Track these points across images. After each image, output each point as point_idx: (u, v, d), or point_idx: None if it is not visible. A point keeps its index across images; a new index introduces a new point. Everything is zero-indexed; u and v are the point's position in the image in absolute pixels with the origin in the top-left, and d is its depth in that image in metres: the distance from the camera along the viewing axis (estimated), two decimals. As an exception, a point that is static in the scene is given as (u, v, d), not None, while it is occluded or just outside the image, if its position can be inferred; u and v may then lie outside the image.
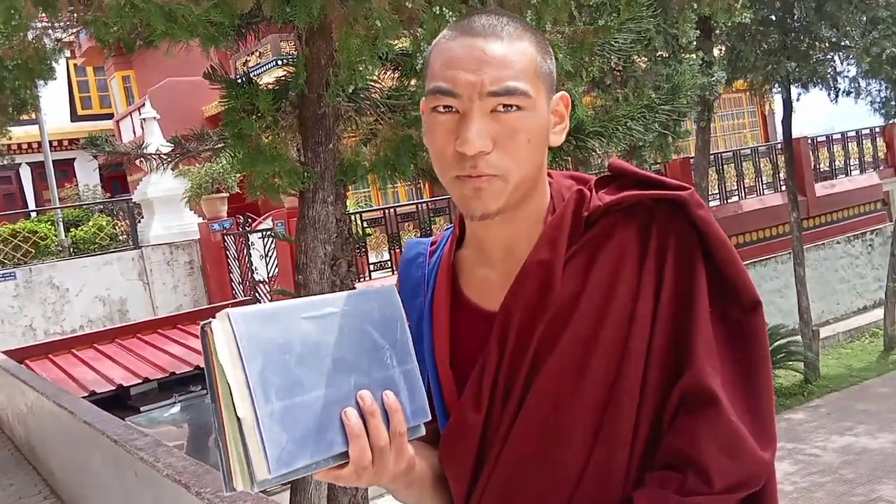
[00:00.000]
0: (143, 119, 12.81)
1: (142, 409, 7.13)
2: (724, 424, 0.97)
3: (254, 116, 4.24)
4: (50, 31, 4.60)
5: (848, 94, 12.02)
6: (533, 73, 1.02)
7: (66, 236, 13.07)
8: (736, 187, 14.01)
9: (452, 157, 1.01)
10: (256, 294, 10.44)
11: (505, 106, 1.00)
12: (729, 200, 13.73)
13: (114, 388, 6.86)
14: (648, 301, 1.03)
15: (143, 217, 12.46)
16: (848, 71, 11.92)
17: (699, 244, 1.04)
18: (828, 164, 15.32)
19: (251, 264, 10.70)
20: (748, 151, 14.70)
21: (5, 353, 7.74)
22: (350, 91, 4.07)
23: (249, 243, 10.73)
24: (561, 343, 1.04)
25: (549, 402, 1.04)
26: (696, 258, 1.04)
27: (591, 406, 1.03)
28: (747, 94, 14.55)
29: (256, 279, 10.57)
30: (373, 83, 4.88)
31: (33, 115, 14.47)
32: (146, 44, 4.18)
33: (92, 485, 4.41)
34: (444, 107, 1.01)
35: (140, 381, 7.03)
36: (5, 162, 8.58)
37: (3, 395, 7.32)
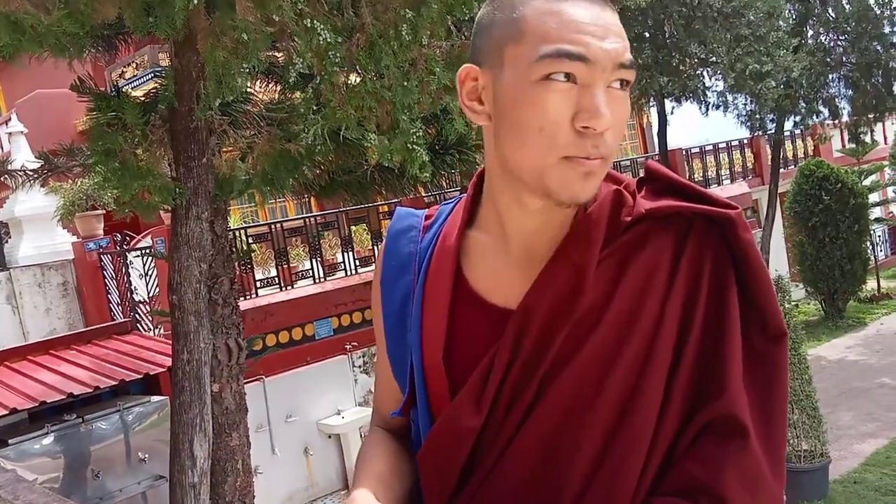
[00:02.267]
0: (9, 133, 12.14)
1: (10, 441, 6.71)
2: (751, 459, 0.93)
3: (122, 131, 4.09)
4: None
5: (717, 107, 12.72)
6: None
7: (-78, 259, 12.18)
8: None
9: (567, 135, 0.90)
10: (136, 315, 10.02)
11: (622, 82, 0.92)
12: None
13: (-25, 421, 6.40)
14: (675, 318, 0.96)
15: (10, 237, 11.78)
16: (716, 86, 12.61)
17: (733, 266, 0.98)
18: (702, 174, 16.09)
19: (130, 284, 10.27)
20: (627, 163, 15.29)
21: None
22: (221, 103, 3.97)
23: (128, 262, 10.31)
24: (583, 352, 0.96)
25: (561, 414, 0.96)
26: (730, 281, 0.97)
27: (605, 421, 0.96)
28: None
29: (136, 299, 10.16)
30: (251, 95, 4.79)
31: None
32: (3, 57, 3.96)
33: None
34: (565, 74, 0.89)
35: (7, 412, 6.59)
36: None
37: None
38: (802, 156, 18.17)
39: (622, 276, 0.97)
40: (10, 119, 12.87)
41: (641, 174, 1.08)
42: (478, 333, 1.01)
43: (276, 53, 4.43)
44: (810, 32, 13.31)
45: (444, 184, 7.78)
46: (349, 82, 4.14)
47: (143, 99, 4.48)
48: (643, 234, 0.99)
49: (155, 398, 7.48)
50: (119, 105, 4.18)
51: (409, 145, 4.17)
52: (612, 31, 0.90)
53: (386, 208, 10.87)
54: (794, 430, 7.43)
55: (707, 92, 12.40)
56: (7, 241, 11.70)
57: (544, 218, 0.99)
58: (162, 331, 9.09)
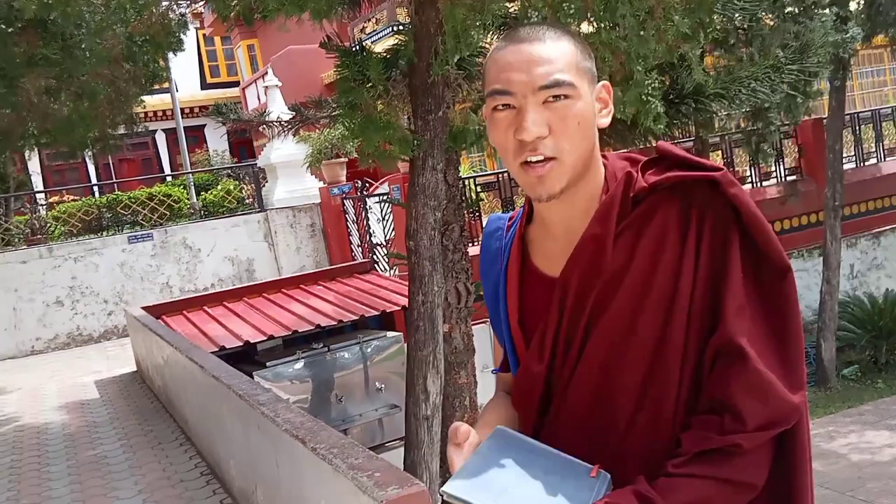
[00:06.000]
0: (266, 87, 13.27)
1: (267, 363, 7.49)
2: (752, 373, 1.13)
3: (365, 86, 4.36)
4: (174, 6, 4.86)
5: None
6: (575, 66, 1.19)
7: (197, 199, 13.82)
8: (874, 149, 13.13)
9: (514, 147, 1.18)
10: (374, 256, 10.73)
11: (555, 97, 1.17)
12: (866, 163, 12.90)
13: (241, 343, 7.25)
14: (689, 269, 1.18)
15: (267, 181, 12.99)
16: None
17: (735, 219, 1.19)
18: None
19: (369, 227, 10.99)
20: (888, 111, 13.73)
21: (145, 308, 8.32)
22: (458, 59, 4.09)
23: (367, 207, 11.02)
24: (613, 305, 1.21)
25: (603, 354, 1.22)
26: (732, 231, 1.18)
27: (641, 359, 1.20)
28: (888, 49, 13.53)
29: (374, 242, 10.86)
30: (484, 49, 4.89)
31: (166, 84, 15.31)
32: (263, 17, 4.35)
33: (220, 434, 4.74)
34: (502, 105, 1.19)
35: (265, 337, 7.40)
36: (139, 129, 9.12)
37: (144, 348, 7.90)
38: None
39: (639, 242, 1.21)
40: (266, 73, 14.05)
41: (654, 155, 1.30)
42: (541, 301, 1.29)
43: (511, 4, 4.48)
44: None
45: (677, 133, 7.49)
46: (582, 33, 4.10)
47: (384, 55, 4.73)
48: (654, 204, 1.22)
49: (391, 333, 8.02)
50: (363, 61, 4.45)
51: (643, 97, 4.08)
52: (534, 63, 1.17)
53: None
54: None
55: None
56: (264, 186, 12.92)
57: (564, 207, 1.24)
58: (397, 272, 9.66)
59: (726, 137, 10.98)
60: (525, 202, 1.38)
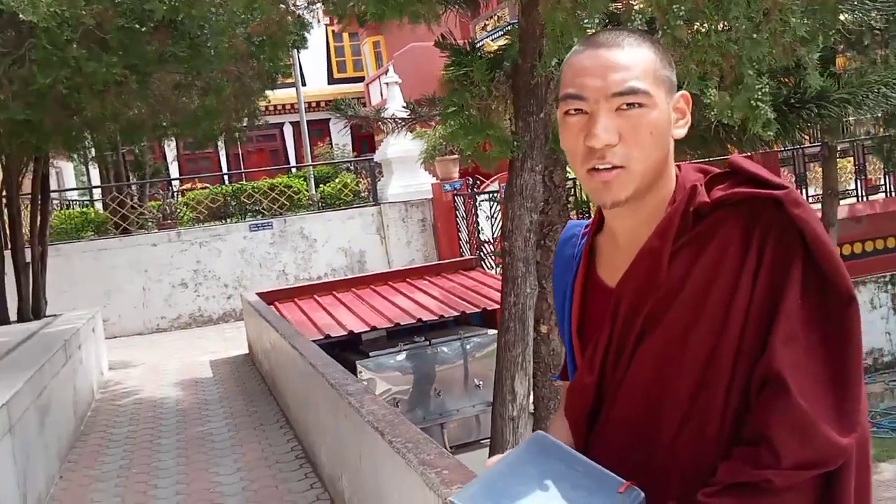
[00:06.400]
0: (386, 83, 13.56)
1: (370, 354, 7.68)
2: (793, 408, 1.07)
3: (470, 86, 4.39)
4: (292, 7, 5.06)
5: None
6: (652, 74, 1.17)
7: (315, 191, 14.30)
8: None
9: (583, 153, 1.17)
10: (481, 253, 10.79)
11: (628, 104, 1.14)
12: None
13: (345, 333, 7.46)
14: (745, 291, 1.14)
15: (382, 175, 13.28)
16: None
17: (800, 242, 1.13)
18: None
19: (478, 224, 11.07)
20: None
21: (259, 294, 8.70)
22: (557, 61, 4.06)
23: (477, 204, 11.09)
24: (664, 321, 1.18)
25: (651, 370, 1.19)
26: (795, 255, 1.13)
27: (688, 378, 1.16)
28: None
29: (482, 239, 10.93)
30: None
31: (291, 80, 15.91)
32: (374, 19, 4.46)
33: (315, 420, 4.91)
34: (575, 110, 1.17)
35: (368, 328, 7.58)
36: (259, 122, 9.56)
37: (255, 332, 8.27)
38: None
39: (698, 259, 1.17)
40: (388, 70, 14.37)
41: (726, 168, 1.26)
42: (600, 311, 1.27)
43: (617, 4, 4.40)
44: None
45: (803, 138, 7.12)
46: (693, 35, 3.97)
47: (491, 55, 4.75)
48: (717, 220, 1.18)
49: (491, 331, 8.02)
50: (469, 62, 4.48)
51: (752, 102, 3.91)
52: (611, 69, 1.15)
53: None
54: None
55: None
56: (380, 180, 13.23)
57: (631, 216, 1.22)
58: (502, 270, 9.67)
59: (857, 144, 10.36)
60: (596, 211, 1.36)
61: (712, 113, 4.19)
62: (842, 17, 7.28)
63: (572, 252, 1.38)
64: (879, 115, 6.50)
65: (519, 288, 4.38)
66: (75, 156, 9.44)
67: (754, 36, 3.93)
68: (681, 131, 1.22)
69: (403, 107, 7.72)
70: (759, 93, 3.86)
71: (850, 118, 7.30)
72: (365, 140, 22.70)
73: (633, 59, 1.15)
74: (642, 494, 1.14)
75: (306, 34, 8.14)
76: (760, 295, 1.13)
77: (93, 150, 12.23)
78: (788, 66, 4.58)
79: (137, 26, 4.80)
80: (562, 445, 1.20)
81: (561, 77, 1.23)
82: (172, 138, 10.49)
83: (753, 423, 1.11)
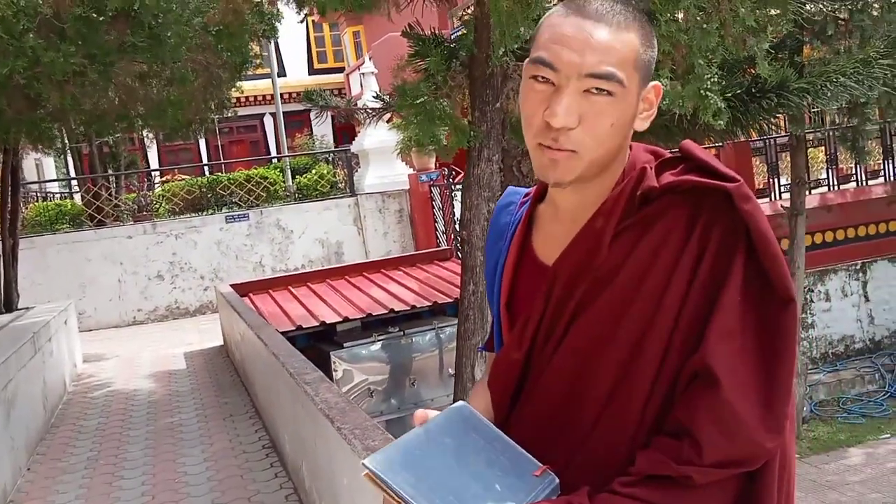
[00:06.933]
0: (362, 74, 13.54)
1: (345, 344, 7.70)
2: (720, 404, 1.04)
3: (427, 78, 4.42)
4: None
5: None
6: (632, 63, 1.11)
7: (292, 182, 14.28)
8: None
9: (539, 125, 1.11)
10: (457, 244, 10.82)
11: (598, 89, 1.09)
12: None
13: (318, 324, 7.49)
14: (681, 282, 1.11)
15: (359, 166, 13.27)
16: None
17: (744, 237, 1.09)
18: None
19: (454, 215, 11.08)
20: None
21: (232, 286, 8.71)
22: (518, 48, 4.09)
23: (453, 195, 11.10)
24: (597, 304, 1.15)
25: (579, 354, 1.16)
26: (738, 250, 1.09)
27: (613, 365, 1.13)
28: None
29: (458, 229, 10.94)
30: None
31: (269, 70, 15.82)
32: (330, 6, 4.47)
33: (278, 410, 4.95)
34: (542, 77, 1.10)
35: (340, 319, 7.61)
36: (230, 113, 9.54)
37: (228, 323, 8.29)
38: None
39: (638, 243, 1.13)
40: (364, 61, 14.34)
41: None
42: (532, 287, 1.23)
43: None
44: None
45: (766, 127, 7.20)
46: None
47: (449, 45, 4.77)
48: (662, 206, 1.14)
49: (464, 322, 8.08)
50: (427, 51, 4.50)
51: (702, 91, 3.96)
52: (591, 47, 1.07)
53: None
54: None
55: None
56: (357, 171, 13.22)
57: (576, 195, 1.17)
58: (476, 260, 9.70)
59: (828, 134, 10.45)
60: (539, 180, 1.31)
61: (664, 102, 4.24)
62: (808, 7, 7.35)
63: (508, 220, 1.34)
64: (842, 104, 6.56)
65: (478, 277, 4.42)
66: (46, 148, 9.37)
67: (704, 26, 3.98)
68: (643, 124, 1.17)
69: (374, 97, 7.75)
70: (709, 82, 3.91)
71: (814, 109, 7.38)
72: (346, 131, 22.63)
73: (616, 42, 1.09)
74: (556, 480, 1.11)
75: (276, 24, 8.11)
76: (699, 287, 1.10)
77: (66, 141, 12.14)
78: (749, 56, 4.63)
79: (95, 15, 4.78)
80: (483, 419, 1.17)
81: (536, 33, 1.14)
82: (143, 129, 10.43)
83: (678, 414, 1.08)
